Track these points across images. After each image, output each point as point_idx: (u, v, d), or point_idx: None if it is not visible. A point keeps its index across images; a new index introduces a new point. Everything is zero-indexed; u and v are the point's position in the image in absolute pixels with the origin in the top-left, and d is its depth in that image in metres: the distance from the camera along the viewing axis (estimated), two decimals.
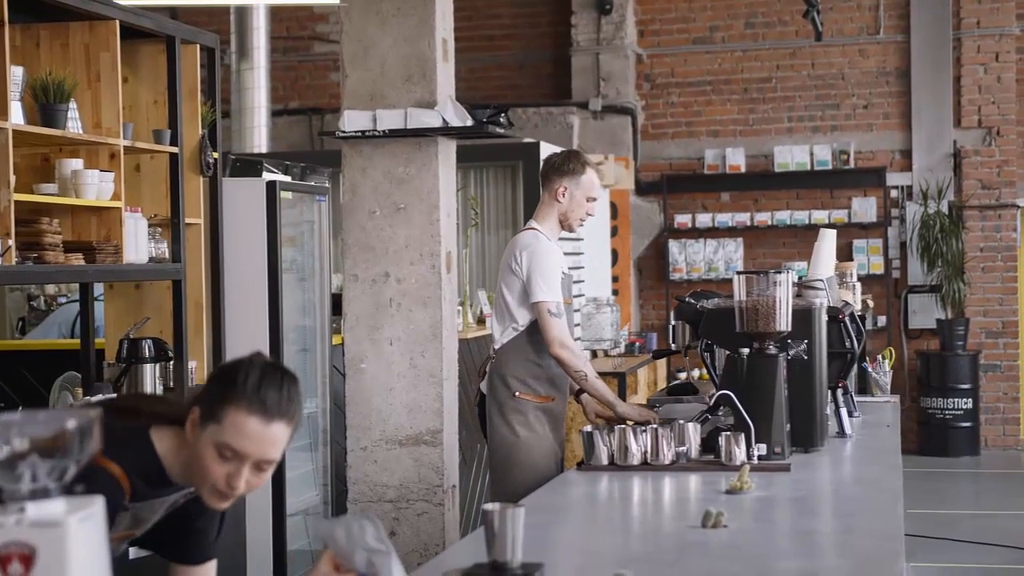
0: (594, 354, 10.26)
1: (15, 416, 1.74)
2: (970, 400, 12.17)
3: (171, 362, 5.55)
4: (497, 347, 5.31)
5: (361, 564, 2.49)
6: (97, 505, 1.76)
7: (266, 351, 6.29)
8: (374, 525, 2.49)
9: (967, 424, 12.19)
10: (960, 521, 9.46)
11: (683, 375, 12.09)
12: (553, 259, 5.16)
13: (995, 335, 12.51)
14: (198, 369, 5.83)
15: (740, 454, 4.13)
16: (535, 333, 5.16)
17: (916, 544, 8.37)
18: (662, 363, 11.17)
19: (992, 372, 12.49)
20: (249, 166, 6.59)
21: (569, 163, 5.30)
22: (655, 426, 4.26)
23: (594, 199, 5.32)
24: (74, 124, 4.87)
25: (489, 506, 2.71)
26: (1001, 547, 8.47)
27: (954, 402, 12.16)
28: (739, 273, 4.40)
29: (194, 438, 2.59)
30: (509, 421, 5.19)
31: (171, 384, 5.57)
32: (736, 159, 12.78)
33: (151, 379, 5.39)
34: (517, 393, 5.18)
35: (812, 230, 12.48)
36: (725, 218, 12.78)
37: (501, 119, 6.11)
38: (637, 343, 11.06)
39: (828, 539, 3.25)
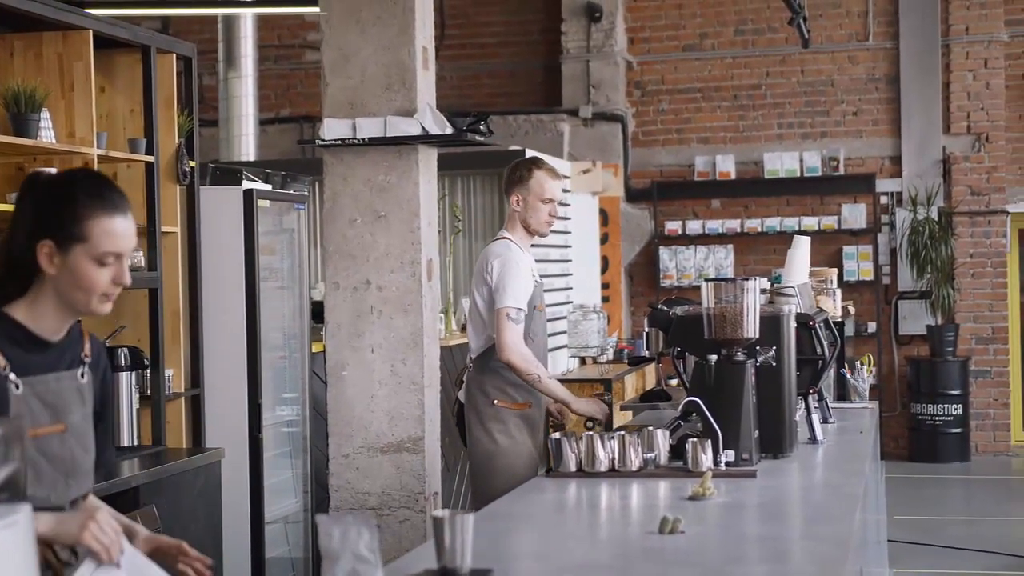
0: (582, 361, 10.27)
1: None
2: (960, 406, 12.18)
3: (147, 371, 5.56)
4: (474, 356, 5.34)
5: (343, 571, 2.50)
6: (23, 513, 1.77)
7: (244, 359, 6.35)
8: (371, 534, 2.51)
9: (957, 430, 12.20)
10: (949, 527, 9.47)
11: (674, 382, 12.09)
12: (523, 268, 5.22)
13: (985, 341, 12.52)
14: (175, 377, 5.85)
15: (707, 461, 4.14)
16: None
17: (902, 550, 8.38)
18: (651, 370, 11.17)
19: (982, 378, 12.49)
20: (229, 174, 6.60)
21: (516, 171, 5.39)
22: (622, 433, 4.27)
23: (550, 200, 5.34)
24: (47, 133, 4.89)
25: (438, 513, 2.73)
26: (989, 553, 8.48)
27: (944, 408, 12.16)
28: (707, 280, 4.41)
29: (60, 266, 2.66)
30: (488, 429, 5.23)
31: (148, 393, 5.58)
32: (726, 166, 12.80)
33: (127, 388, 5.39)
34: (496, 401, 5.23)
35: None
36: (715, 225, 12.79)
37: (481, 127, 6.12)
38: (626, 350, 11.05)
39: (780, 545, 3.25)
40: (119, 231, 2.68)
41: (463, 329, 8.18)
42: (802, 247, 5.47)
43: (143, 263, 5.54)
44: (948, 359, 12.19)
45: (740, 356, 4.36)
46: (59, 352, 2.77)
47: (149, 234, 5.58)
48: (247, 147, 10.54)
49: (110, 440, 2.89)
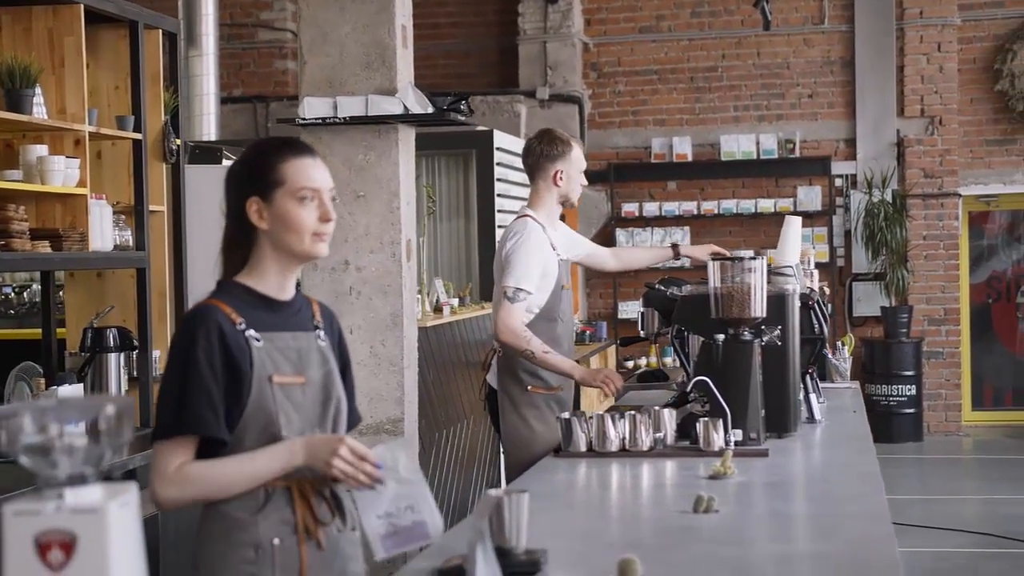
0: None
1: (51, 402, 1.72)
2: (913, 387, 12.32)
3: (135, 351, 5.47)
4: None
5: (387, 496, 2.50)
6: (132, 492, 1.74)
7: None
8: (407, 455, 2.52)
9: (910, 410, 12.35)
10: (905, 506, 9.57)
11: (643, 362, 12.15)
12: (538, 246, 5.11)
13: (937, 322, 12.66)
14: (162, 358, 5.76)
15: (719, 440, 4.14)
16: (542, 323, 5.10)
17: None
18: (611, 351, 11.21)
19: (935, 359, 12.64)
20: (208, 153, 6.53)
21: (556, 146, 5.32)
22: (633, 413, 4.26)
23: (583, 169, 5.44)
24: (39, 110, 4.80)
25: (494, 492, 2.71)
26: (945, 530, 8.60)
27: (898, 389, 12.30)
28: (714, 259, 4.40)
29: (269, 217, 2.83)
30: (524, 416, 5.10)
31: (135, 374, 5.50)
32: (683, 148, 12.84)
33: (115, 369, 5.31)
34: (529, 387, 5.12)
35: (758, 219, 12.59)
36: (672, 207, 12.83)
37: (461, 107, 6.09)
38: (588, 331, 11.09)
39: (819, 523, 3.26)
40: (311, 168, 2.85)
41: (437, 310, 8.14)
42: (794, 226, 5.49)
43: (131, 242, 5.46)
44: (902, 340, 12.32)
45: (747, 335, 4.36)
46: (290, 313, 2.90)
47: (136, 213, 5.48)
48: (208, 126, 10.39)
49: (354, 396, 3.04)
